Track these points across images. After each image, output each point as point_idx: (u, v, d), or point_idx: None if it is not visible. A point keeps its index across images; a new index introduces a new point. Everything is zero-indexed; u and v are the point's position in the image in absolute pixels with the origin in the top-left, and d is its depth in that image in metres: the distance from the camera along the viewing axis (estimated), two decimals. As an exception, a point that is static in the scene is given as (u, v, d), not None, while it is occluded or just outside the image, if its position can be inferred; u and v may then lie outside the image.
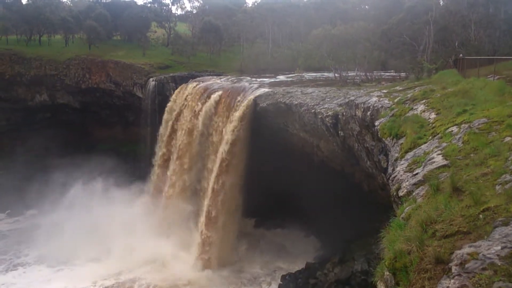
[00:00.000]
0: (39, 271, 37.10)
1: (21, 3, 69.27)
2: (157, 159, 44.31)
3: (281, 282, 32.85)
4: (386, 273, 7.08)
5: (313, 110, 26.73)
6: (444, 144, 11.68)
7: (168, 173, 41.16)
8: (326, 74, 44.12)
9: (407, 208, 8.95)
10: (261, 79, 42.67)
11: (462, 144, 11.05)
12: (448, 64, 30.12)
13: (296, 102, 28.72)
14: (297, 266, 35.72)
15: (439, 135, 12.94)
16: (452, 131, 12.56)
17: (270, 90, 33.17)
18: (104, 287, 33.86)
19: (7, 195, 47.81)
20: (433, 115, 15.34)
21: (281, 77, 45.07)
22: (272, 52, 60.10)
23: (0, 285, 34.69)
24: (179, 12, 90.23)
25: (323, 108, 26.14)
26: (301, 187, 33.82)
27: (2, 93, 55.42)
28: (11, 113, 56.82)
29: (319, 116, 26.01)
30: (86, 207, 41.70)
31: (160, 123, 45.28)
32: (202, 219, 35.90)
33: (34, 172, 48.44)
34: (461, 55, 29.69)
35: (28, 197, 47.12)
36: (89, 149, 55.98)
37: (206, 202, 35.84)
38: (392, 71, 41.09)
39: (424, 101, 17.73)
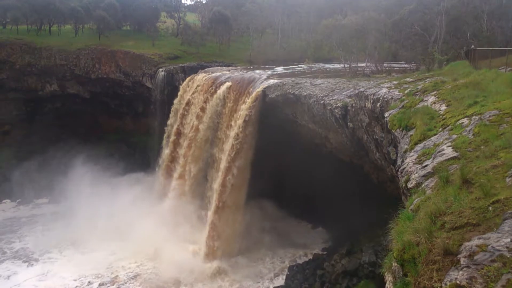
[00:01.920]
0: (50, 258, 37.70)
1: (32, -7, 69.53)
2: (166, 150, 44.48)
3: (288, 273, 33.01)
4: (394, 264, 7.09)
5: (322, 102, 26.62)
6: (454, 136, 11.59)
7: (177, 164, 41.34)
8: (336, 65, 43.84)
9: (416, 199, 8.93)
10: (270, 70, 42.53)
11: (472, 136, 10.97)
12: (460, 56, 29.78)
13: (305, 93, 28.61)
14: (305, 257, 35.88)
15: (450, 127, 12.85)
16: (462, 123, 12.46)
17: (279, 81, 33.06)
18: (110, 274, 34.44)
19: (18, 184, 48.44)
20: (443, 107, 15.21)
21: (290, 68, 44.89)
22: (281, 43, 59.82)
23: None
24: (188, 2, 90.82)
25: (332, 99, 26.02)
26: (309, 178, 33.82)
27: (13, 83, 55.88)
28: (22, 103, 57.33)
29: (328, 108, 25.91)
30: (96, 196, 42.11)
31: (169, 113, 45.39)
32: (211, 209, 36.07)
33: (44, 162, 48.89)
34: (472, 46, 29.31)
35: (39, 186, 47.70)
36: (98, 139, 56.51)
37: (214, 192, 35.97)
38: (402, 62, 40.74)
39: (434, 92, 17.58)
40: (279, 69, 43.58)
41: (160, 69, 51.54)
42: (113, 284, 33.24)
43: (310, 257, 34.94)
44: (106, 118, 60.31)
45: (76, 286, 33.18)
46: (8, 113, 56.55)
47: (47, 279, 34.28)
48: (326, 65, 45.40)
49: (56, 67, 55.95)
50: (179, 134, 42.42)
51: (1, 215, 47.22)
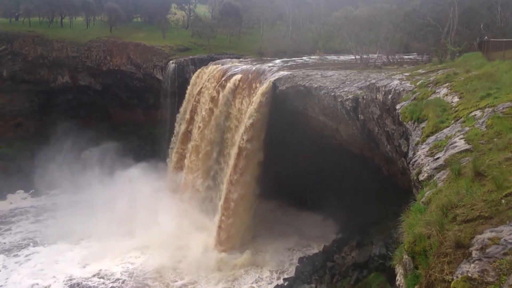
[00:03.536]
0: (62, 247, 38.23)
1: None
2: (177, 142, 44.70)
3: (298, 264, 33.12)
4: (405, 256, 7.09)
5: (332, 94, 26.49)
6: (467, 128, 11.51)
7: (187, 155, 41.53)
8: (347, 56, 43.53)
9: (428, 192, 8.90)
10: (280, 62, 42.37)
11: (485, 128, 10.88)
12: (473, 47, 29.37)
13: (316, 85, 28.48)
14: (315, 249, 35.93)
15: (462, 119, 12.75)
16: (475, 115, 12.36)
17: (289, 73, 32.92)
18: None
19: (31, 175, 49.06)
20: (456, 99, 15.08)
21: (301, 60, 44.66)
22: (292, 34, 59.47)
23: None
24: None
25: (343, 91, 25.88)
26: (320, 170, 33.77)
27: (26, 75, 56.38)
28: (34, 95, 57.89)
29: (339, 100, 25.78)
30: (108, 187, 42.56)
31: (180, 105, 45.52)
32: (220, 200, 36.24)
33: (56, 153, 49.41)
34: (486, 37, 28.89)
35: (52, 177, 48.26)
36: (110, 131, 56.92)
37: (224, 183, 36.12)
38: (414, 53, 40.31)
39: (447, 84, 17.42)
40: (290, 61, 43.39)
41: (171, 61, 51.61)
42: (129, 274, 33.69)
43: (320, 249, 34.96)
44: (117, 110, 60.68)
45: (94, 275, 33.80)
46: (21, 104, 57.18)
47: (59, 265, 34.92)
48: (337, 57, 45.08)
49: (68, 59, 56.30)
50: (190, 126, 42.57)
51: (15, 205, 48.06)
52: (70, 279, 33.23)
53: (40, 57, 56.01)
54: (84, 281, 33.10)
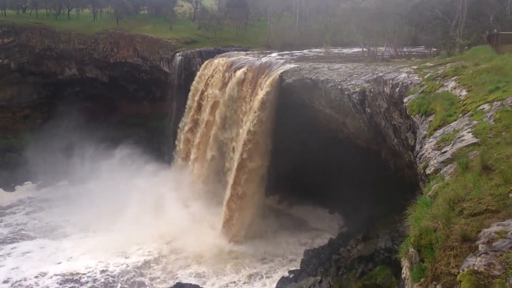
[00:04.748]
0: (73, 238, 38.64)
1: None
2: (183, 134, 44.82)
3: (304, 257, 33.20)
4: (411, 249, 7.10)
5: (339, 87, 26.39)
6: (475, 122, 11.45)
7: (194, 147, 41.66)
8: (354, 49, 43.28)
9: (435, 186, 8.88)
10: (287, 54, 42.22)
11: (493, 122, 10.81)
12: (482, 40, 29.11)
13: (323, 78, 28.37)
14: (321, 242, 36.01)
15: (470, 112, 12.68)
16: (483, 108, 12.28)
17: (296, 65, 32.81)
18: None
19: (38, 166, 49.42)
20: (464, 92, 14.99)
21: (308, 52, 44.47)
22: (299, 27, 59.14)
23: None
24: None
25: (350, 84, 25.77)
26: (326, 164, 33.76)
27: (33, 67, 56.61)
28: (41, 87, 58.16)
29: (346, 93, 25.68)
30: (115, 179, 42.82)
31: (186, 98, 45.56)
32: (227, 193, 36.36)
33: (64, 145, 49.75)
34: (495, 30, 28.61)
35: (59, 168, 48.63)
36: (117, 123, 57.17)
37: (231, 176, 36.21)
38: (422, 46, 40.00)
39: (455, 77, 17.29)
40: (297, 53, 43.22)
41: (177, 54, 51.58)
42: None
43: (326, 242, 35.03)
44: (124, 102, 60.81)
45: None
46: (28, 96, 57.52)
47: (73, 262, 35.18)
48: (345, 50, 44.82)
49: (75, 51, 56.40)
50: (196, 118, 42.66)
51: (22, 195, 48.63)
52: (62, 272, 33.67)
53: (47, 49, 56.16)
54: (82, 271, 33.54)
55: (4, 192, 48.92)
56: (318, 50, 45.44)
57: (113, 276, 32.91)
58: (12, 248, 37.20)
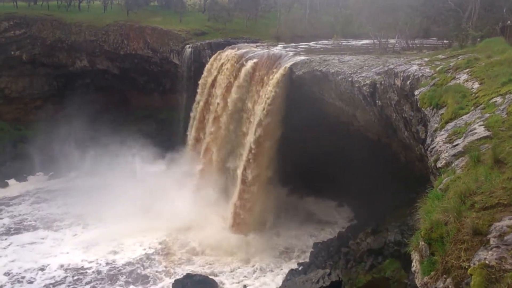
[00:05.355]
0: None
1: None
2: (193, 126, 44.94)
3: (313, 250, 33.28)
4: (421, 243, 7.08)
5: (350, 79, 26.23)
6: (487, 115, 11.33)
7: (204, 139, 41.78)
8: (365, 41, 42.96)
9: (446, 179, 8.83)
10: (297, 46, 42.03)
11: (506, 115, 10.69)
12: (495, 32, 28.67)
13: (333, 71, 28.21)
14: (330, 235, 36.05)
15: (482, 105, 12.54)
16: (496, 101, 12.15)
17: (306, 58, 32.66)
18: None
19: (50, 157, 49.92)
20: (476, 85, 14.82)
21: (318, 44, 44.22)
22: (309, 18, 58.79)
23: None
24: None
25: (361, 76, 25.59)
26: (335, 156, 33.67)
27: (45, 58, 57.05)
28: (53, 78, 58.62)
29: (356, 85, 25.53)
30: (125, 170, 43.16)
31: (196, 90, 45.60)
32: (238, 183, 36.45)
33: (75, 136, 50.17)
34: (509, 22, 28.20)
35: (71, 160, 49.08)
36: (127, 115, 57.57)
37: (241, 167, 36.27)
38: (434, 38, 39.56)
39: (467, 70, 17.09)
40: (307, 45, 43.00)
41: (187, 46, 51.58)
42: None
43: (335, 235, 35.06)
44: (134, 94, 61.10)
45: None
46: (40, 88, 58.09)
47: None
48: (355, 42, 44.50)
49: (86, 43, 56.70)
50: (206, 110, 42.72)
51: (33, 186, 49.16)
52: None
53: (58, 41, 56.51)
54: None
55: (16, 183, 49.55)
56: (325, 42, 45.17)
57: (117, 268, 32.96)
58: (13, 239, 37.17)
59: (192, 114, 45.97)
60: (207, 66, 44.57)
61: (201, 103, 43.31)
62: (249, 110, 36.90)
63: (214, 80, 41.61)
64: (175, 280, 29.48)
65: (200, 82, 44.72)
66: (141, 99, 60.51)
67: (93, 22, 57.55)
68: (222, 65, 41.22)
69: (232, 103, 38.14)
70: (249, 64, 36.92)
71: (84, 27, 56.68)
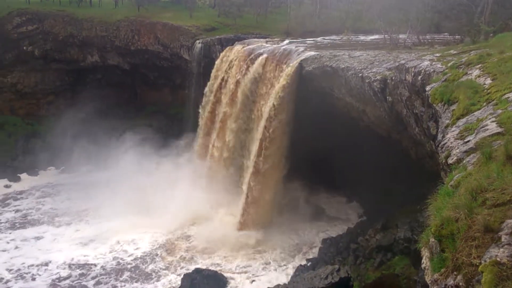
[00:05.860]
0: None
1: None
2: (203, 121, 45.05)
3: (322, 246, 33.27)
4: (432, 239, 7.05)
5: (360, 74, 26.08)
6: (499, 111, 11.21)
7: (213, 135, 41.85)
8: (375, 36, 42.66)
9: (457, 175, 8.76)
10: (307, 42, 41.87)
11: (519, 111, 10.58)
12: (508, 27, 28.31)
13: (343, 66, 28.07)
14: (339, 231, 35.99)
15: (494, 101, 12.41)
16: (508, 97, 12.02)
17: (316, 53, 32.51)
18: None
19: (62, 152, 50.39)
20: (488, 81, 14.66)
21: (328, 40, 44.01)
22: (319, 14, 58.47)
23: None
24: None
25: (371, 72, 25.43)
26: (345, 152, 33.56)
27: (57, 54, 57.52)
28: (65, 74, 59.10)
29: (367, 81, 25.38)
30: (136, 165, 43.42)
31: (206, 85, 45.67)
32: (247, 178, 36.49)
33: (86, 131, 50.52)
34: (523, 17, 27.80)
35: (83, 154, 49.48)
36: (138, 110, 57.88)
37: (251, 163, 36.30)
38: (446, 34, 39.13)
39: (479, 65, 16.91)
40: (317, 41, 42.82)
41: (197, 41, 51.59)
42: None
43: (344, 231, 35.00)
44: (145, 89, 61.40)
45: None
46: (52, 83, 58.60)
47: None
48: (365, 37, 44.19)
49: (97, 39, 56.99)
50: (216, 105, 42.77)
51: (43, 180, 49.81)
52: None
53: (70, 37, 56.90)
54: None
55: (28, 177, 50.14)
56: (334, 37, 44.91)
57: (123, 264, 33.11)
58: (16, 234, 37.47)
59: (202, 109, 46.01)
60: (218, 61, 44.58)
61: (212, 99, 43.35)
62: (259, 104, 36.86)
63: (224, 76, 41.62)
64: (184, 275, 29.66)
65: (211, 77, 44.74)
66: (152, 95, 60.77)
67: (104, 18, 57.81)
68: (232, 61, 41.21)
69: (241, 98, 38.15)
70: (259, 60, 36.89)
71: (95, 22, 56.96)
